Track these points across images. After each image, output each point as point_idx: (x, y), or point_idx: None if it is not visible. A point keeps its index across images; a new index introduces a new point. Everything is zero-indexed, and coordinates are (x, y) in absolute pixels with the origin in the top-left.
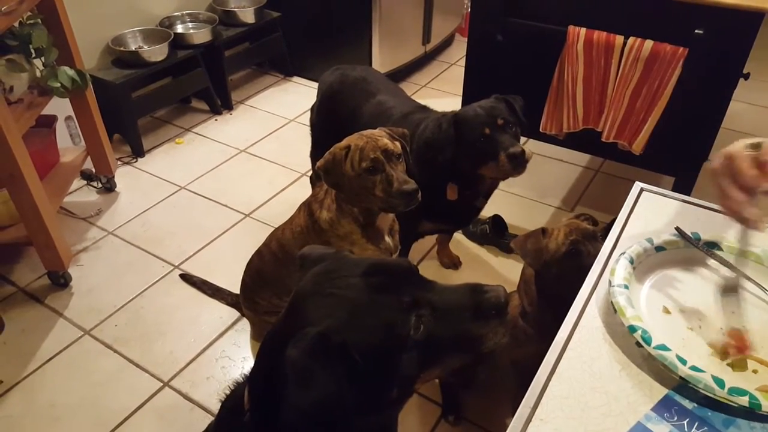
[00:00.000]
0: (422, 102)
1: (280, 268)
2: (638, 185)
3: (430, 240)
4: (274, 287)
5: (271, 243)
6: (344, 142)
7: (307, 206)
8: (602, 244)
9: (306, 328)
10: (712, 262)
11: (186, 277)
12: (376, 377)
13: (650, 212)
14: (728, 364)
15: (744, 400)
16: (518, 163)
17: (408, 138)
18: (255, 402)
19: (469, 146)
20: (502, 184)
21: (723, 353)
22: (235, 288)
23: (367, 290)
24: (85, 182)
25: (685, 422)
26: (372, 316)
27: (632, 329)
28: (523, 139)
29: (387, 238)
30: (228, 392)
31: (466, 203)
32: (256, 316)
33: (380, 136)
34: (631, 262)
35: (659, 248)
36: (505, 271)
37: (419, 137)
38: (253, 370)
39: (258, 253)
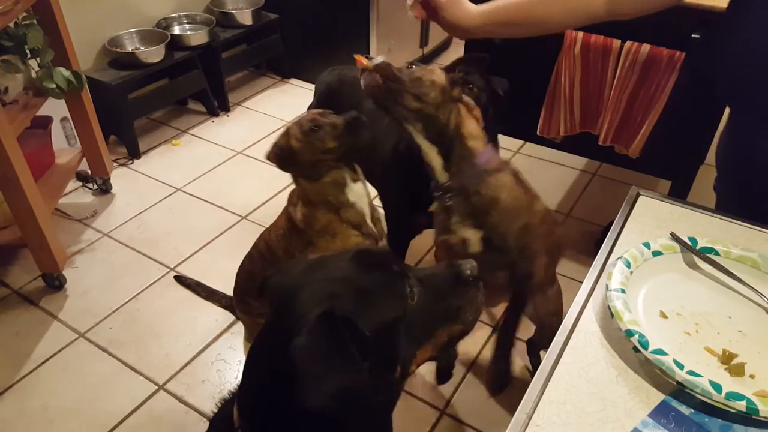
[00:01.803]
0: None
1: (269, 269)
2: (635, 189)
3: (428, 241)
4: None
5: (260, 244)
6: (280, 134)
7: (285, 209)
8: None
9: (301, 318)
10: (708, 266)
11: (180, 279)
12: (383, 352)
13: (647, 216)
14: (726, 369)
15: (741, 405)
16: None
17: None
18: (246, 417)
19: None
20: None
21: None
22: (231, 290)
23: (357, 269)
24: (81, 184)
25: (682, 428)
26: (370, 288)
27: (629, 333)
28: (519, 142)
29: (369, 223)
30: (216, 410)
31: None
32: (250, 319)
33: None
34: (628, 266)
35: (656, 253)
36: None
37: None
38: (242, 386)
39: (248, 256)
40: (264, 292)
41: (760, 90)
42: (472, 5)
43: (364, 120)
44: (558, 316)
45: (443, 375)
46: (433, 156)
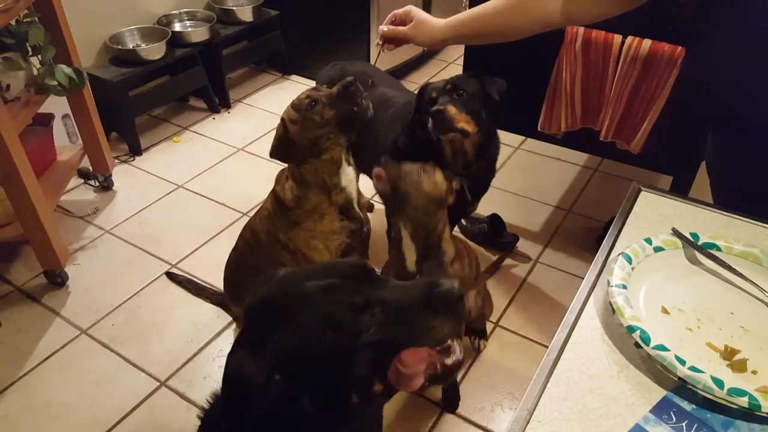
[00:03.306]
0: None
1: (255, 255)
2: (636, 185)
3: None
4: (255, 277)
5: (245, 233)
6: (277, 127)
7: (272, 192)
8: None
9: (259, 343)
10: (710, 262)
11: (172, 276)
12: (333, 383)
13: (648, 212)
14: (728, 365)
15: (743, 401)
16: (435, 118)
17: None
18: (228, 418)
19: (420, 110)
20: (498, 183)
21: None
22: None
23: (317, 294)
24: (82, 181)
25: (683, 424)
26: (321, 322)
27: (631, 329)
28: (520, 138)
29: (356, 207)
30: (206, 407)
31: None
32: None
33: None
34: (630, 261)
35: (658, 249)
36: (503, 271)
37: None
38: (222, 386)
39: (235, 248)
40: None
41: (740, 101)
42: (436, 21)
43: (359, 87)
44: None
45: (450, 404)
46: (410, 251)
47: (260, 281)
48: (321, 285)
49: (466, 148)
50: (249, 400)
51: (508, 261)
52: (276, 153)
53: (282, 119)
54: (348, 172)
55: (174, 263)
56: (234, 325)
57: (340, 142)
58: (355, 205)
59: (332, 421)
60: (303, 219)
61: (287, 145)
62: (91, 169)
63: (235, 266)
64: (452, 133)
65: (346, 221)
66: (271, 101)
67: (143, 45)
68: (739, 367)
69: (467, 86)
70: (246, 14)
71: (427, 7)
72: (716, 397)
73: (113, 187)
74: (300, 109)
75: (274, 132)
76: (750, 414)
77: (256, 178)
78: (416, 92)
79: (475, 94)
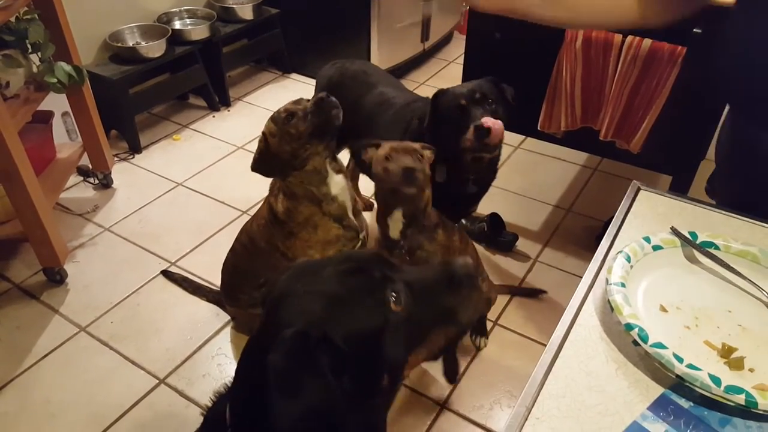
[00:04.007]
0: None
1: (253, 260)
2: (635, 184)
3: None
4: (252, 280)
5: (242, 237)
6: (258, 142)
7: (267, 202)
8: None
9: (283, 331)
10: (708, 261)
11: (167, 274)
12: (365, 364)
13: (647, 211)
14: (725, 363)
15: (740, 398)
16: (481, 135)
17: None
18: (236, 417)
19: (445, 118)
20: (499, 182)
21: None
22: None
23: (338, 278)
24: (82, 178)
25: (681, 421)
26: (348, 300)
27: (629, 327)
28: (520, 137)
29: (350, 216)
30: (210, 404)
31: (457, 189)
32: (241, 311)
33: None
34: (629, 260)
35: (656, 247)
36: (502, 269)
37: (419, 124)
38: (234, 383)
39: (232, 249)
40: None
41: (756, 90)
42: None
43: (332, 99)
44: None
45: (450, 374)
46: (397, 221)
47: (276, 275)
48: (340, 269)
49: (487, 157)
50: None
51: (507, 260)
52: (257, 166)
53: (263, 133)
54: (337, 181)
55: (173, 261)
56: (232, 324)
57: (318, 151)
58: (350, 214)
59: (360, 396)
60: (297, 230)
61: (269, 158)
62: (90, 166)
63: (232, 268)
64: (496, 149)
65: (341, 230)
66: (271, 100)
67: (143, 43)
68: (737, 364)
69: (493, 95)
70: (246, 12)
71: (427, 7)
72: (713, 394)
73: (113, 185)
74: (278, 122)
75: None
76: (747, 411)
77: (256, 177)
78: (431, 98)
79: (500, 103)
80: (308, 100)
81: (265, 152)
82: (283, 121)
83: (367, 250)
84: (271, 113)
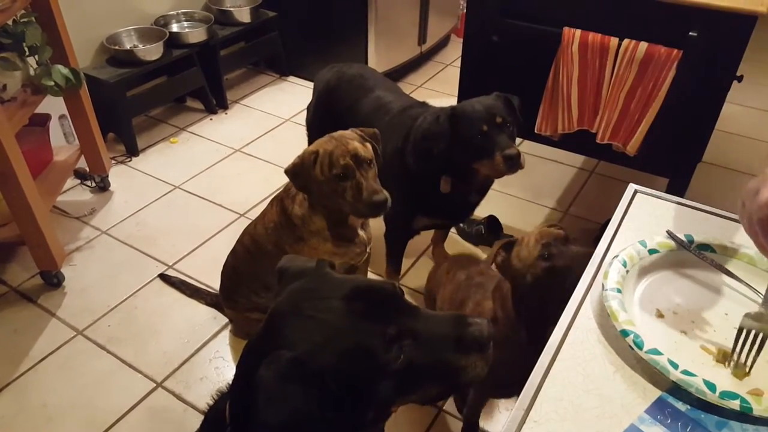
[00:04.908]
0: None
1: (255, 264)
2: (632, 187)
3: (425, 239)
4: (251, 284)
5: (244, 239)
6: (313, 147)
7: (279, 201)
8: (577, 248)
9: (281, 349)
10: (704, 264)
11: (165, 278)
12: (353, 403)
13: (644, 214)
14: (733, 374)
15: (735, 404)
16: (513, 164)
17: (379, 138)
18: (235, 417)
19: (465, 141)
20: (496, 185)
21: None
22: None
23: (348, 316)
24: (79, 181)
25: (678, 424)
26: (352, 346)
27: (624, 333)
28: (517, 140)
29: (360, 232)
30: (212, 403)
31: (460, 198)
32: (239, 314)
33: (351, 138)
34: (624, 265)
35: (652, 251)
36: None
37: (416, 129)
38: (233, 384)
39: (232, 252)
40: (282, 280)
41: None
42: None
43: (388, 206)
44: None
45: (461, 406)
46: None
47: (285, 276)
48: (353, 307)
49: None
50: (268, 398)
51: None
52: (292, 177)
53: (317, 151)
54: (360, 236)
55: (171, 264)
56: (231, 326)
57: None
58: (360, 231)
59: (343, 427)
60: (308, 237)
61: (306, 177)
62: (87, 169)
63: (232, 270)
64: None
65: (351, 246)
66: (268, 102)
67: (140, 45)
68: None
69: (508, 115)
70: (244, 15)
71: (425, 9)
72: (709, 399)
73: (110, 188)
74: (333, 166)
75: (301, 149)
76: (743, 415)
77: (254, 179)
78: (449, 117)
79: (514, 123)
80: (372, 157)
81: (304, 172)
82: (333, 176)
83: (380, 283)
84: (268, 116)
